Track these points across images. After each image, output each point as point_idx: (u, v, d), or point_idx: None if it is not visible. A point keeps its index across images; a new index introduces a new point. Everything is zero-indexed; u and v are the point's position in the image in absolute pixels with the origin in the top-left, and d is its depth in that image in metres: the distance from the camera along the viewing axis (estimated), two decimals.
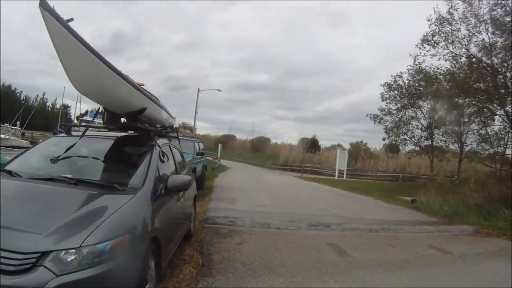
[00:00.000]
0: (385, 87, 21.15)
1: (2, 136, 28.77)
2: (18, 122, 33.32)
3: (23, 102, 56.86)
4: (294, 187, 16.66)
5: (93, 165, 3.33)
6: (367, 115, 22.38)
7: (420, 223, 8.73)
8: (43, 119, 55.70)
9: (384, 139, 23.39)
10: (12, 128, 30.55)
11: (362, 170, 31.08)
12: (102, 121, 3.91)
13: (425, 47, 16.59)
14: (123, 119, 3.68)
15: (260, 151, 47.44)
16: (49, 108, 66.28)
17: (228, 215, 7.20)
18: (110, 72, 2.81)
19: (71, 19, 2.35)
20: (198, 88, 30.25)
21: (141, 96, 3.48)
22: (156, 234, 2.87)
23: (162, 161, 3.55)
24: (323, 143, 43.19)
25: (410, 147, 23.38)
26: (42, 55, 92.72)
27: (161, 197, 3.20)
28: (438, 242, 6.38)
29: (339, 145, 39.77)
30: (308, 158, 34.57)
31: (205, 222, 6.41)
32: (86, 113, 61.43)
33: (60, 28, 2.28)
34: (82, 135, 3.67)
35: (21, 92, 64.31)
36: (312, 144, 38.77)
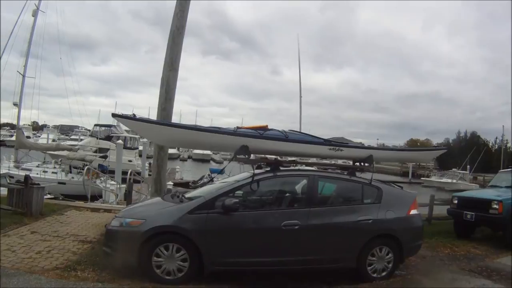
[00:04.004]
0: None
1: (449, 180, 31.45)
2: (468, 166, 33.69)
3: (483, 146, 54.65)
4: None
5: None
6: None
7: None
8: (498, 159, 50.50)
9: None
10: (459, 173, 32.96)
11: None
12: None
13: None
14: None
15: None
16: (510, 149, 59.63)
17: None
18: (192, 132, 4.58)
19: (134, 115, 4.45)
20: None
21: (234, 139, 4.53)
22: (186, 234, 3.99)
23: (252, 189, 4.44)
24: None
25: None
26: (506, 97, 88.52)
27: (216, 213, 4.11)
28: None
29: None
30: None
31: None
32: None
33: (136, 123, 4.47)
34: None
35: (478, 136, 63.86)
36: None
